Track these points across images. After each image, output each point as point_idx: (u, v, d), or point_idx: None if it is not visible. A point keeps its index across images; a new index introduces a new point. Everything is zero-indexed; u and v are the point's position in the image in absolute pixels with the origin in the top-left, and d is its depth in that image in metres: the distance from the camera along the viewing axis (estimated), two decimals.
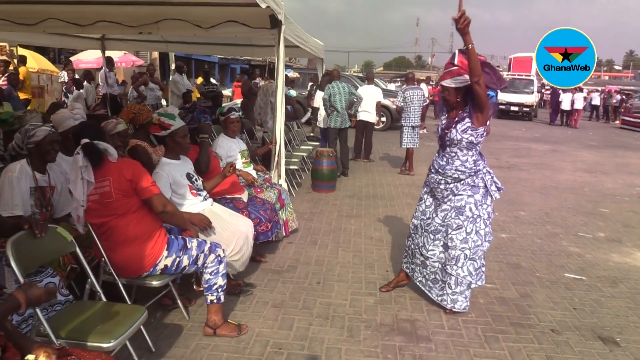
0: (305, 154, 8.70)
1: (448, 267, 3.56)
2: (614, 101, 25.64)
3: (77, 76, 11.89)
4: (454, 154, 3.45)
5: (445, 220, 3.56)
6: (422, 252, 3.72)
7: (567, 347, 3.29)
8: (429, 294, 3.76)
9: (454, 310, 3.62)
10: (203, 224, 3.48)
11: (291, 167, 7.55)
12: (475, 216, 3.47)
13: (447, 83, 3.37)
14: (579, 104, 21.60)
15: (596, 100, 26.29)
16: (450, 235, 3.51)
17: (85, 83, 11.00)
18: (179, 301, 3.50)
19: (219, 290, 3.20)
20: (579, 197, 7.88)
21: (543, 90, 28.10)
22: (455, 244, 3.50)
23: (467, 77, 3.24)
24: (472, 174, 3.44)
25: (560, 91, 21.77)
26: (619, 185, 9.04)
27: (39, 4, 5.61)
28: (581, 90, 22.33)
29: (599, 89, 29.84)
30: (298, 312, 3.67)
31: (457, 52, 3.34)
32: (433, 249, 3.64)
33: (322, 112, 9.47)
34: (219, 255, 3.19)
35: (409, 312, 3.73)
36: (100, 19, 5.77)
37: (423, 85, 14.28)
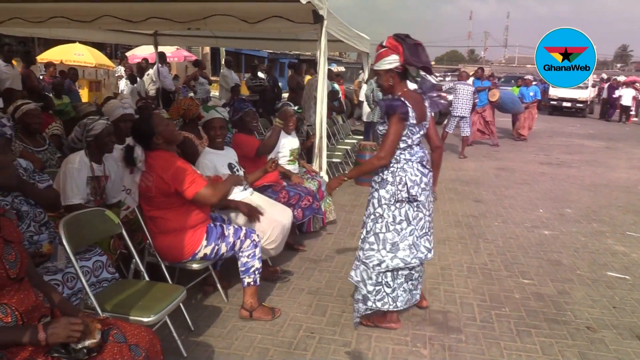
0: (349, 147, 8.75)
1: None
2: None
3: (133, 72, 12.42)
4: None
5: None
6: None
7: (602, 345, 3.24)
8: None
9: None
10: (254, 215, 3.67)
11: (334, 160, 7.64)
12: (377, 215, 3.11)
13: (377, 66, 3.17)
14: None
15: None
16: (362, 236, 3.26)
17: (139, 78, 11.47)
18: (218, 285, 3.66)
19: (256, 272, 3.33)
20: (631, 196, 7.59)
21: (601, 84, 26.68)
22: (361, 245, 3.24)
23: (396, 57, 3.03)
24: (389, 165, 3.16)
25: (622, 86, 20.79)
26: None
27: (94, 2, 5.91)
28: None
29: None
30: (332, 299, 3.76)
31: (389, 36, 3.11)
32: None
33: (365, 106, 9.49)
34: (254, 240, 3.33)
35: (442, 303, 3.76)
36: (151, 16, 6.05)
37: (471, 80, 14.04)
